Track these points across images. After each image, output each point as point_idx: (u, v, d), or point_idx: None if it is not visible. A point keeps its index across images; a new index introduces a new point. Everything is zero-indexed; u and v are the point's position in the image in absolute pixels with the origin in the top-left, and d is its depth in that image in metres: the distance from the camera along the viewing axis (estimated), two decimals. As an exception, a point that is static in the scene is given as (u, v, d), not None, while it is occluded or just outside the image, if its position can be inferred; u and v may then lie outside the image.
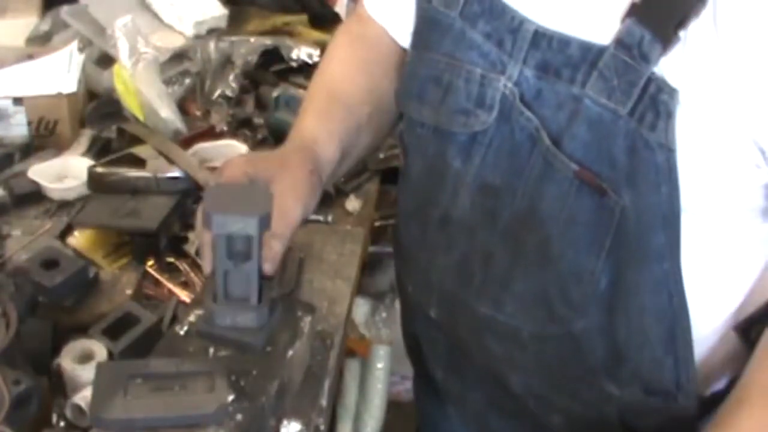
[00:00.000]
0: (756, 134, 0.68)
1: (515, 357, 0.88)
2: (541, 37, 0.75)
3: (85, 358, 0.86)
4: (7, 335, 0.78)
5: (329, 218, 1.24)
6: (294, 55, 1.58)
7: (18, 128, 1.29)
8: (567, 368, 0.85)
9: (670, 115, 0.68)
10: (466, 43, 0.81)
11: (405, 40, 0.95)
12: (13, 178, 1.21)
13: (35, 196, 1.19)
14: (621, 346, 0.80)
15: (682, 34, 0.66)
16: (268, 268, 0.78)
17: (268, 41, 1.59)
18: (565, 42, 0.73)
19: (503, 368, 0.91)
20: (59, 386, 0.86)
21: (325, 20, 1.78)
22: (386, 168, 1.38)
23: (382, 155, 1.40)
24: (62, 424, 0.82)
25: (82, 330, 0.91)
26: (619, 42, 0.69)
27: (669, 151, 0.69)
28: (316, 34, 1.69)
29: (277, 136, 1.37)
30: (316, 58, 1.58)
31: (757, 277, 0.81)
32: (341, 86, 0.98)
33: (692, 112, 0.68)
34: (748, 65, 0.65)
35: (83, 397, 0.80)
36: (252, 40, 1.59)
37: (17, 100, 1.27)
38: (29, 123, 1.29)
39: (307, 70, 1.57)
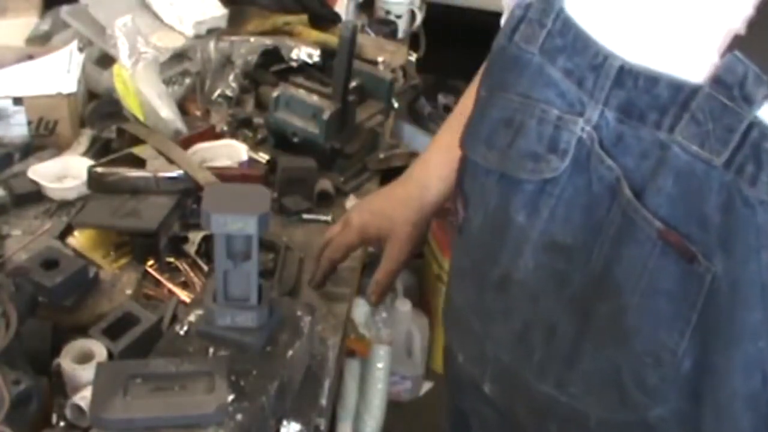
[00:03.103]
0: None
1: None
2: (626, 75, 0.66)
3: (85, 358, 0.86)
4: (7, 335, 0.78)
5: (329, 218, 1.24)
6: (294, 55, 1.58)
7: (18, 128, 1.28)
8: None
9: None
10: (544, 80, 0.73)
11: None
12: (13, 178, 1.20)
13: (35, 196, 1.19)
14: None
15: None
16: (373, 300, 0.92)
17: (268, 41, 1.59)
18: (652, 80, 0.64)
19: None
20: (59, 386, 0.86)
21: (325, 20, 1.78)
22: (386, 168, 1.38)
23: (382, 155, 1.40)
24: (62, 424, 0.82)
25: (82, 330, 0.91)
26: (717, 80, 0.60)
27: None
28: (316, 34, 1.69)
29: (277, 136, 1.37)
30: (316, 58, 1.58)
31: None
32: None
33: None
34: None
35: (83, 397, 0.80)
36: (252, 40, 1.59)
37: (17, 100, 1.27)
38: (29, 123, 1.29)
39: (307, 70, 1.57)
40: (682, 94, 0.63)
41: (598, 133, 0.68)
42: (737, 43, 0.60)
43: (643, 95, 0.65)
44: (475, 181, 0.81)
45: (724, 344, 0.64)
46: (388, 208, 1.03)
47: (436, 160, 1.00)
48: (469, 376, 0.89)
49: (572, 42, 0.71)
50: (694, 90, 0.62)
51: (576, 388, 0.74)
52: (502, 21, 0.92)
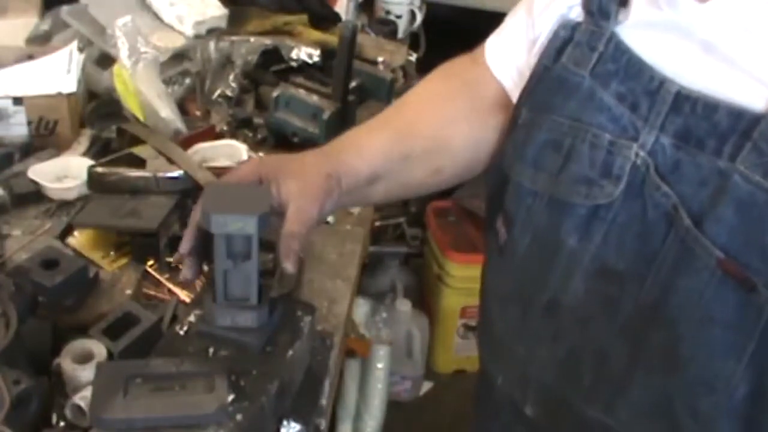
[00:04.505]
0: None
1: None
2: (683, 101, 0.66)
3: (85, 358, 0.86)
4: (7, 335, 0.78)
5: (329, 218, 1.24)
6: (294, 55, 1.58)
7: (18, 128, 1.29)
8: None
9: None
10: (595, 104, 0.72)
11: (515, 95, 0.87)
12: (13, 178, 1.20)
13: (35, 196, 1.19)
14: None
15: None
16: (289, 266, 0.76)
17: (268, 41, 1.59)
18: (711, 107, 0.64)
19: None
20: (59, 386, 0.86)
21: (325, 20, 1.78)
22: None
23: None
24: (62, 424, 0.82)
25: (82, 330, 0.91)
26: None
27: None
28: (316, 34, 1.69)
29: (277, 136, 1.38)
30: (316, 58, 1.58)
31: None
32: (406, 113, 0.94)
33: None
34: None
35: (83, 397, 0.80)
36: (252, 40, 1.59)
37: (17, 100, 1.27)
38: (29, 123, 1.29)
39: (307, 70, 1.57)
40: (742, 123, 0.62)
41: (654, 159, 0.68)
42: None
43: (701, 122, 0.65)
44: (520, 202, 0.79)
45: None
46: (296, 156, 0.89)
47: (354, 137, 0.92)
48: (508, 399, 0.88)
49: (625, 66, 0.70)
50: (756, 119, 0.61)
51: (626, 414, 0.73)
52: (495, 35, 0.92)
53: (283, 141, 1.35)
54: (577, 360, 0.76)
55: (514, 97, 0.86)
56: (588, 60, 0.73)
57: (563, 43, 0.76)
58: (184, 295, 1.04)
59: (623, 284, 0.70)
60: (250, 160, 0.86)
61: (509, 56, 0.89)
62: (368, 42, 1.81)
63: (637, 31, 0.71)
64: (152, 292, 1.06)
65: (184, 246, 0.78)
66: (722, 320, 0.64)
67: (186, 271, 0.79)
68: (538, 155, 0.77)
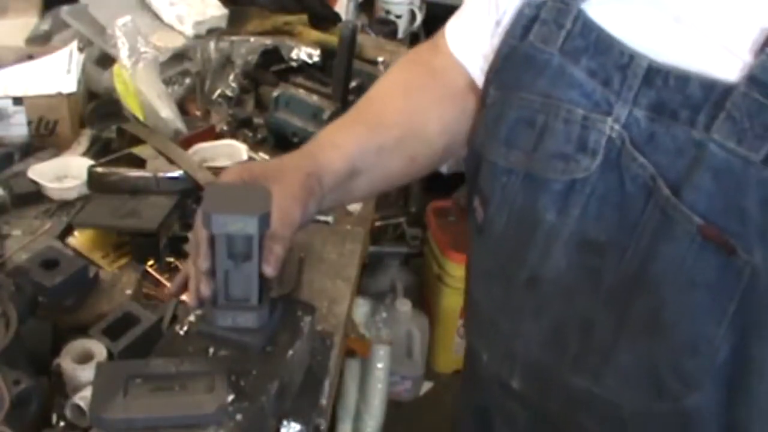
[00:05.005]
0: None
1: None
2: (654, 74, 0.67)
3: (85, 358, 0.86)
4: (7, 335, 0.79)
5: (329, 218, 1.24)
6: (294, 55, 1.58)
7: (18, 128, 1.29)
8: None
9: None
10: (566, 80, 0.73)
11: (482, 79, 0.87)
12: (12, 178, 1.21)
13: (35, 196, 1.19)
14: (738, 428, 0.70)
15: None
16: (269, 271, 0.76)
17: (268, 41, 1.60)
18: (684, 79, 0.65)
19: None
20: (59, 386, 0.86)
21: (325, 20, 1.78)
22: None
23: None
24: (62, 424, 0.82)
25: (82, 330, 0.91)
26: (752, 78, 0.61)
27: None
28: (316, 34, 1.69)
29: (277, 136, 1.38)
30: (316, 58, 1.58)
31: None
32: (374, 105, 0.95)
33: None
34: None
35: (83, 397, 0.80)
36: (252, 40, 1.59)
37: (17, 100, 1.28)
38: (29, 123, 1.29)
39: (307, 70, 1.57)
40: (715, 93, 0.63)
41: (628, 132, 0.69)
42: None
43: (674, 94, 0.66)
44: (495, 181, 0.80)
45: (762, 338, 0.65)
46: (275, 160, 0.90)
47: (327, 135, 0.92)
48: (495, 374, 0.89)
49: (595, 42, 0.71)
50: (728, 89, 0.63)
51: (612, 380, 0.74)
52: (455, 18, 0.93)
53: (283, 141, 1.35)
54: (562, 332, 0.77)
55: (480, 80, 0.87)
56: (556, 37, 0.74)
57: (529, 21, 0.77)
58: (184, 295, 1.04)
59: (605, 255, 0.71)
60: (233, 166, 0.86)
61: (472, 40, 0.89)
62: (368, 42, 1.81)
63: (604, 7, 0.72)
64: (152, 292, 1.06)
65: (204, 264, 0.77)
66: (704, 284, 0.66)
67: (204, 288, 0.78)
68: (511, 133, 0.77)
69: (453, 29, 0.93)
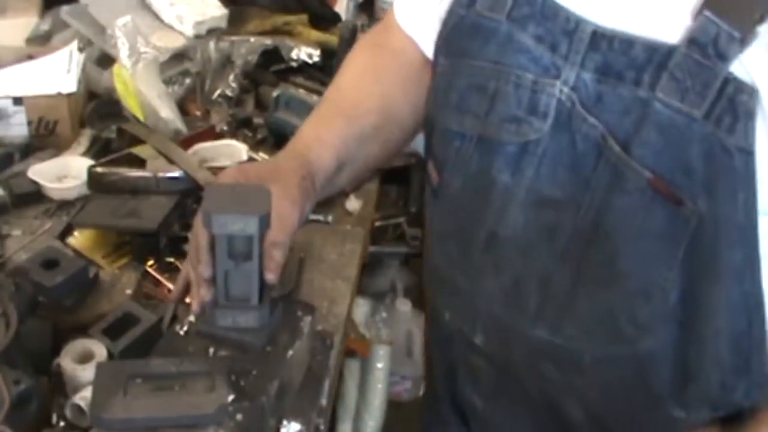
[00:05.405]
0: None
1: (574, 384, 0.82)
2: (600, 39, 0.70)
3: (85, 358, 0.86)
4: (7, 335, 0.79)
5: (329, 218, 1.24)
6: (294, 55, 1.58)
7: (18, 128, 1.29)
8: (630, 394, 0.78)
9: (750, 117, 0.63)
10: (515, 47, 0.75)
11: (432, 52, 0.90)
12: (13, 178, 1.20)
13: (35, 196, 1.19)
14: (690, 368, 0.73)
15: (761, 29, 0.62)
16: (271, 277, 0.78)
17: (268, 41, 1.59)
18: (627, 42, 0.68)
19: (559, 396, 0.85)
20: (59, 386, 0.86)
21: (325, 20, 1.78)
22: (386, 168, 1.38)
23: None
24: (62, 424, 0.82)
25: (82, 330, 0.91)
26: (692, 40, 0.65)
27: (748, 154, 0.64)
28: (316, 34, 1.69)
29: (277, 136, 1.38)
30: (316, 58, 1.58)
31: None
32: (347, 94, 0.96)
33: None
34: None
35: (83, 397, 0.80)
36: (252, 40, 1.59)
37: (17, 100, 1.28)
38: (29, 123, 1.29)
39: (307, 70, 1.57)
40: (658, 55, 0.67)
41: (577, 94, 0.72)
42: (711, 4, 0.64)
43: (619, 57, 0.69)
44: (448, 145, 0.82)
45: (709, 281, 0.69)
46: (269, 162, 0.92)
47: (311, 131, 0.94)
48: (457, 331, 0.91)
49: (541, 9, 0.74)
50: (670, 50, 0.66)
51: (571, 329, 0.77)
52: None
53: (283, 141, 1.34)
54: (521, 288, 0.80)
55: (431, 52, 0.89)
56: (503, 5, 0.77)
57: None
58: (187, 299, 1.04)
59: (560, 211, 0.74)
60: (228, 169, 0.87)
61: (420, 15, 0.92)
62: (368, 42, 1.81)
63: None
64: (152, 292, 1.06)
65: (207, 271, 0.78)
66: (654, 233, 0.69)
67: (206, 294, 0.79)
68: (462, 100, 0.80)
69: (401, 7, 0.96)
